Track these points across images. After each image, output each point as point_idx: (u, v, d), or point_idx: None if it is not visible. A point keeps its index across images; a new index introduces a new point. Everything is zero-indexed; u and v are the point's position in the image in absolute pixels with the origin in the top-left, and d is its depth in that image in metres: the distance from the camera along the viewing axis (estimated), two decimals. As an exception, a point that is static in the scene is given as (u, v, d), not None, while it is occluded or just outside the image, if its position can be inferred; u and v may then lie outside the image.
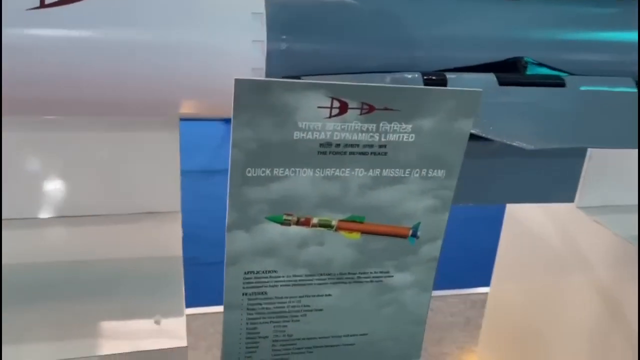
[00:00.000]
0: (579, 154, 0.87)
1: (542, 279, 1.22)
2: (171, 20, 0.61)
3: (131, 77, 0.62)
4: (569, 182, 0.87)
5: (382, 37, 0.66)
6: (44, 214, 0.91)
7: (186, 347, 0.62)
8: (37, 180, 0.88)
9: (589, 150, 1.10)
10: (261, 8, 0.63)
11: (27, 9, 0.57)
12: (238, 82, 0.46)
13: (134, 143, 0.90)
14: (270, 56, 0.62)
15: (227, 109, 0.69)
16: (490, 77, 0.66)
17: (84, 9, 0.59)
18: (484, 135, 0.62)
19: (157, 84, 0.63)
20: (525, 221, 1.28)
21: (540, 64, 0.71)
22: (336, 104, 0.49)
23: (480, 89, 0.51)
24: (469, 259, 2.14)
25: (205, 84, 0.64)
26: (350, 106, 0.49)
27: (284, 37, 0.63)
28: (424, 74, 0.64)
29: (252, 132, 0.48)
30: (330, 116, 0.49)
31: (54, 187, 0.90)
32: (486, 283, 1.55)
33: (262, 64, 0.63)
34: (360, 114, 0.50)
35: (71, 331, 0.65)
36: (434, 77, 0.64)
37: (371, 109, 0.50)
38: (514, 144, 0.62)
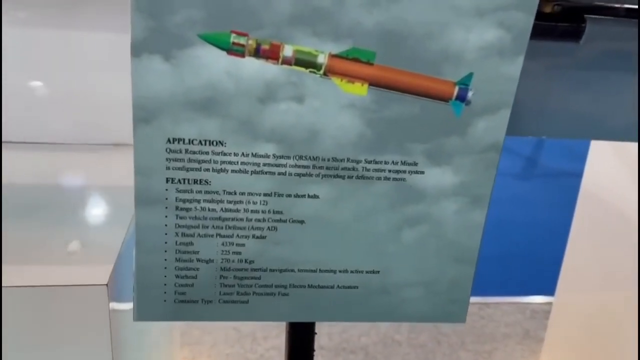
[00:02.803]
0: None
1: (618, 290, 0.95)
2: None
3: None
4: None
5: None
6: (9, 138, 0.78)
7: (105, 285, 0.41)
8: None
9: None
10: None
11: None
12: None
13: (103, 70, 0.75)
14: None
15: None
16: None
17: None
18: None
19: None
20: (598, 225, 1.01)
21: None
22: None
23: None
24: (529, 266, 1.89)
25: None
26: None
27: None
28: None
29: None
30: None
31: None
32: (549, 292, 1.33)
33: None
34: None
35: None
36: None
37: None
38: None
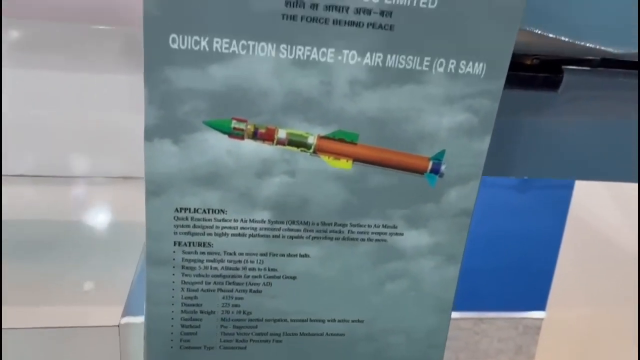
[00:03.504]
0: None
1: (611, 305, 0.99)
2: None
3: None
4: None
5: None
6: (18, 172, 0.82)
7: (117, 326, 0.45)
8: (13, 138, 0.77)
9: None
10: None
11: None
12: None
13: (113, 103, 0.78)
14: None
15: None
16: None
17: None
18: (547, 32, 0.42)
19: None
20: (591, 236, 1.05)
21: None
22: None
23: None
24: (523, 280, 1.92)
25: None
26: (332, -63, 0.31)
27: None
28: None
29: (175, -29, 0.31)
30: (301, -47, 0.31)
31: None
32: (542, 307, 1.36)
33: None
34: (350, -47, 0.31)
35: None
36: None
37: (367, -56, 0.31)
38: (597, 46, 0.42)
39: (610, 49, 0.42)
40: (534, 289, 1.75)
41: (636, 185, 0.91)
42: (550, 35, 0.42)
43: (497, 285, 1.97)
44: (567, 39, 0.42)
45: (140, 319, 0.46)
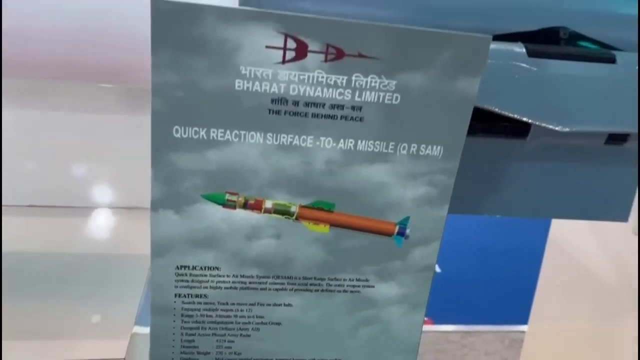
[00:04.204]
0: (633, 162, 0.71)
1: (590, 320, 1.05)
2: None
3: (76, 36, 0.52)
4: (621, 197, 0.71)
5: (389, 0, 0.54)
6: (20, 202, 0.86)
7: (123, 358, 0.51)
8: (15, 167, 0.82)
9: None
10: None
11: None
12: (155, 3, 0.34)
13: (119, 134, 0.83)
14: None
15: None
16: (517, 48, 0.53)
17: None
18: (504, 113, 0.48)
19: (105, 45, 0.53)
20: (571, 251, 1.11)
21: (585, 37, 0.57)
22: (291, 43, 0.37)
23: (489, 36, 0.38)
24: (511, 293, 1.98)
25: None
26: (310, 48, 0.37)
27: None
28: None
29: (179, 76, 0.37)
30: (284, 61, 0.37)
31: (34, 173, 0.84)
32: (527, 320, 1.42)
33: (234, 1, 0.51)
34: (325, 61, 0.37)
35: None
36: None
37: (339, 54, 0.37)
38: (542, 124, 0.48)
39: (558, 128, 0.48)
40: (519, 303, 1.80)
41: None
42: (509, 114, 0.48)
43: (484, 299, 2.03)
44: (520, 117, 0.48)
45: (145, 350, 0.52)
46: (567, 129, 0.48)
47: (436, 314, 1.91)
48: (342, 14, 0.53)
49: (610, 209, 0.68)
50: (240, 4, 0.50)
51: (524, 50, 0.53)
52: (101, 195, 0.86)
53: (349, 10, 0.53)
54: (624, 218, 0.69)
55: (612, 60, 0.54)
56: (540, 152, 0.63)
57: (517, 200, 0.66)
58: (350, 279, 0.45)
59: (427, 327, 1.86)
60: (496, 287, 2.10)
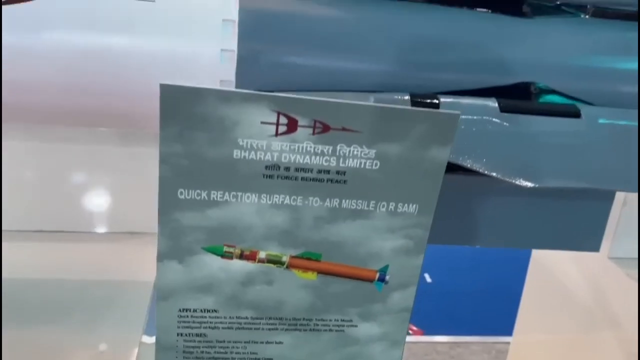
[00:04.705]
0: (606, 197, 0.76)
1: (568, 333, 1.11)
2: (135, 24, 0.56)
3: (87, 86, 0.57)
4: (593, 229, 0.76)
5: (369, 52, 0.58)
6: (24, 227, 0.89)
7: None
8: (19, 192, 0.86)
9: (624, 195, 0.98)
10: (233, 15, 0.56)
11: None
12: (164, 87, 0.39)
13: (121, 160, 0.87)
14: (240, 67, 0.56)
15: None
16: (491, 103, 0.58)
17: (37, 9, 0.54)
18: (476, 168, 0.53)
19: (116, 92, 0.57)
20: (552, 269, 1.17)
21: (554, 92, 0.62)
22: (283, 120, 0.41)
23: (458, 112, 0.43)
24: (498, 304, 2.03)
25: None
26: (300, 124, 0.42)
27: (257, 47, 0.57)
28: (412, 95, 0.57)
29: (183, 148, 0.42)
30: (277, 134, 0.42)
31: (34, 199, 0.88)
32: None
33: (231, 75, 0.56)
34: (313, 134, 0.42)
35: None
36: (423, 100, 0.57)
37: (326, 128, 0.42)
38: (511, 180, 0.53)
39: (525, 185, 0.53)
40: (506, 314, 1.85)
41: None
42: (481, 169, 0.53)
43: (473, 309, 2.08)
44: (489, 173, 0.53)
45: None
46: (535, 185, 0.53)
47: (426, 324, 1.96)
48: (331, 67, 0.58)
49: (583, 240, 0.73)
50: (239, 62, 0.55)
51: (497, 105, 0.58)
52: (100, 220, 0.90)
53: (336, 64, 0.58)
54: (595, 248, 0.75)
55: (577, 115, 0.59)
56: (516, 187, 0.68)
57: (495, 231, 0.71)
58: (335, 320, 0.50)
59: (417, 338, 1.92)
60: (484, 298, 2.15)
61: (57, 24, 0.54)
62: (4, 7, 0.54)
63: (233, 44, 0.56)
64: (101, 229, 0.92)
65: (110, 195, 0.90)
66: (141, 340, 0.62)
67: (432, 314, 2.03)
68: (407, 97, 0.57)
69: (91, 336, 0.67)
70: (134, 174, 0.86)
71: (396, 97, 0.57)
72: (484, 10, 0.63)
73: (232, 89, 0.41)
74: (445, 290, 2.15)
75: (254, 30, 0.57)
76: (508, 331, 1.88)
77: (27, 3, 0.54)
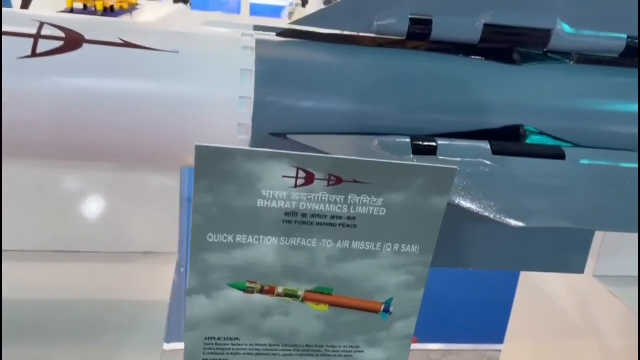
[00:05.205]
0: None
1: (555, 343, 1.17)
2: (162, 73, 0.61)
3: (117, 128, 0.62)
4: (578, 252, 0.82)
5: (373, 97, 0.64)
6: (42, 247, 0.93)
7: None
8: (38, 213, 0.90)
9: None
10: (251, 65, 0.62)
11: (19, 57, 0.58)
12: (199, 148, 0.45)
13: (137, 182, 0.91)
14: (256, 113, 0.62)
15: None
16: (484, 145, 0.64)
17: (74, 59, 0.59)
18: (470, 208, 0.59)
19: (141, 135, 0.63)
20: (540, 283, 1.23)
21: (542, 133, 0.68)
22: (302, 174, 0.47)
23: (455, 167, 0.49)
24: (489, 313, 2.08)
25: (190, 137, 0.64)
26: (316, 177, 0.47)
27: (272, 94, 0.62)
28: (413, 138, 0.63)
29: (214, 198, 0.47)
30: (296, 186, 0.48)
31: (52, 220, 0.92)
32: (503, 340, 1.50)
33: (248, 120, 0.62)
34: (328, 186, 0.48)
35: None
36: (423, 143, 0.62)
37: (339, 180, 0.48)
38: (501, 220, 0.59)
39: (514, 224, 0.59)
40: (497, 322, 1.89)
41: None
42: (474, 209, 0.59)
43: (464, 318, 2.14)
44: (482, 213, 0.59)
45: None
46: (523, 225, 0.59)
47: (420, 332, 2.01)
48: (338, 110, 0.63)
49: (568, 263, 0.79)
50: (255, 108, 0.61)
51: (489, 148, 0.64)
52: (116, 240, 0.95)
53: (343, 107, 0.64)
54: (580, 270, 0.81)
55: (562, 157, 0.65)
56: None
57: (486, 255, 0.76)
58: (344, 346, 0.55)
59: (412, 346, 1.96)
60: (476, 308, 2.21)
61: (95, 71, 0.60)
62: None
63: (250, 91, 0.62)
64: (117, 249, 0.95)
65: (126, 216, 0.94)
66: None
67: (425, 322, 2.08)
68: (407, 140, 0.62)
69: (112, 354, 0.72)
70: (148, 197, 0.90)
71: (398, 139, 0.63)
72: (478, 58, 0.68)
73: (257, 148, 0.47)
74: (439, 299, 2.20)
75: (269, 78, 0.62)
76: (499, 339, 1.94)
77: (73, 53, 0.59)
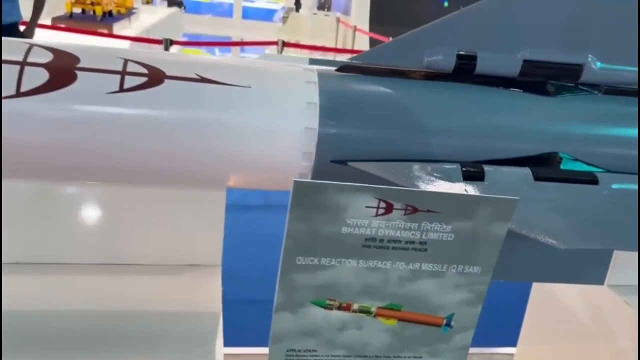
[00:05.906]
0: None
1: (568, 349, 1.23)
2: (236, 106, 0.67)
3: (196, 155, 0.67)
4: (599, 265, 0.88)
5: (425, 127, 0.70)
6: (87, 260, 0.96)
7: None
8: (83, 227, 0.94)
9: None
10: (315, 98, 0.68)
11: (107, 92, 0.64)
12: (296, 183, 0.51)
13: (182, 196, 0.95)
14: (320, 142, 0.68)
15: (275, 184, 0.74)
16: (526, 172, 0.70)
17: (156, 94, 0.65)
18: (517, 231, 0.65)
19: (217, 161, 0.68)
20: (553, 290, 1.29)
21: (576, 159, 0.74)
22: (382, 204, 0.53)
23: (517, 198, 0.55)
24: (496, 316, 2.12)
25: (260, 164, 0.70)
26: (395, 207, 0.53)
27: (334, 125, 0.68)
28: (462, 165, 0.69)
29: (305, 226, 0.53)
30: (377, 215, 0.54)
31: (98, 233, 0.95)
32: (511, 343, 1.54)
33: (312, 148, 0.68)
34: (405, 214, 0.54)
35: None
36: (472, 169, 0.69)
37: (415, 210, 0.54)
38: (547, 241, 0.65)
39: (557, 246, 0.65)
40: (504, 326, 1.92)
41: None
42: (514, 228, 0.65)
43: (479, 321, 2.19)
44: (528, 234, 0.65)
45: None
46: (564, 247, 0.65)
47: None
48: (394, 139, 0.69)
49: (589, 275, 0.85)
50: (320, 138, 0.67)
51: (530, 174, 0.70)
52: (163, 253, 0.99)
53: (399, 136, 0.70)
54: (600, 282, 0.87)
55: (595, 182, 0.72)
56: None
57: (508, 267, 0.82)
58: (409, 357, 0.61)
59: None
60: (484, 311, 2.26)
61: (176, 104, 0.65)
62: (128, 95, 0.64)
63: (315, 122, 0.68)
64: (163, 261, 0.99)
65: (172, 229, 0.98)
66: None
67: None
68: (456, 167, 0.69)
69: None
70: (195, 211, 0.95)
71: (447, 166, 0.69)
72: (517, 90, 0.75)
73: (347, 183, 0.52)
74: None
75: (331, 110, 0.68)
76: (506, 342, 1.98)
77: (157, 88, 0.64)
